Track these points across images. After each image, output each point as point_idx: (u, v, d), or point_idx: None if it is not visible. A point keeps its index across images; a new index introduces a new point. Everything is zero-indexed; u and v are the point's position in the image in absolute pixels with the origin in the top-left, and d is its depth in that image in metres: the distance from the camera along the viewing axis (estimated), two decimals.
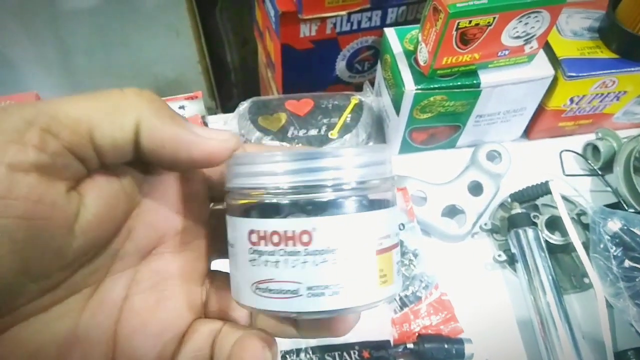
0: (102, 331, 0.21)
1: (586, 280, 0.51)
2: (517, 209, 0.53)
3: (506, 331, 0.50)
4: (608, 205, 0.54)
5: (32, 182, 0.18)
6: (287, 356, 0.41)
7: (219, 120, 0.62)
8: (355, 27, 0.60)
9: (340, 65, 0.65)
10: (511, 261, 0.52)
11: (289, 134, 0.56)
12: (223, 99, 1.19)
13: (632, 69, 0.54)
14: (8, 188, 0.17)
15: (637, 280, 0.44)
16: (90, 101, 0.19)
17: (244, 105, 0.58)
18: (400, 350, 0.46)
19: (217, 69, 1.13)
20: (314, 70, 0.65)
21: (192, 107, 0.55)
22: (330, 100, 0.59)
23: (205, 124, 0.53)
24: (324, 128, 0.57)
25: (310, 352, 0.41)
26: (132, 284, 0.23)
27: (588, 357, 0.46)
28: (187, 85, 1.10)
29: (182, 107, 0.55)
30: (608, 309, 0.47)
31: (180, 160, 0.21)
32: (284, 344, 0.41)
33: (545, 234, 0.52)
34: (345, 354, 0.41)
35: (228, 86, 1.18)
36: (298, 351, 0.41)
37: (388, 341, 0.43)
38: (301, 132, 0.56)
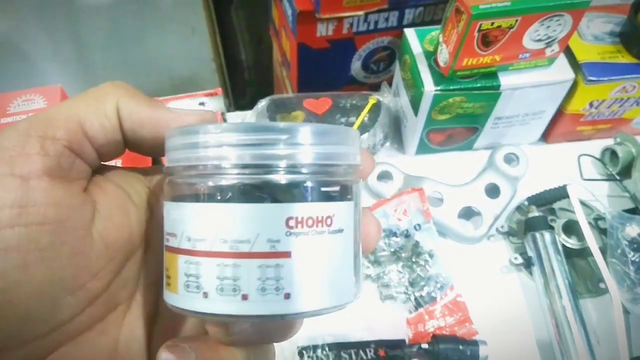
0: (140, 346, 0.22)
1: (602, 285, 0.51)
2: (535, 212, 0.53)
3: (521, 334, 0.50)
4: (626, 211, 0.54)
5: (46, 187, 0.18)
6: (304, 352, 0.41)
7: (237, 118, 0.62)
8: (372, 27, 0.60)
9: (356, 65, 0.65)
10: (527, 264, 0.52)
11: None
12: (236, 97, 1.19)
13: None
14: (25, 197, 0.18)
15: None
16: (74, 100, 0.21)
17: (262, 103, 0.59)
18: (414, 350, 0.46)
19: (231, 67, 1.13)
20: (330, 70, 0.65)
21: (212, 103, 0.55)
22: (348, 99, 0.59)
23: (225, 121, 0.54)
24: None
25: (327, 349, 0.41)
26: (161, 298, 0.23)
27: None
28: (201, 83, 1.11)
29: (202, 104, 0.55)
30: (624, 314, 0.47)
31: (161, 138, 0.21)
32: (301, 340, 0.42)
33: (562, 238, 0.52)
34: (361, 351, 0.41)
35: (241, 84, 1.18)
36: (315, 347, 0.41)
37: (403, 340, 0.43)
38: None
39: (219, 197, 0.17)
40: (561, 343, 0.47)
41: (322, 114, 0.58)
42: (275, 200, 0.17)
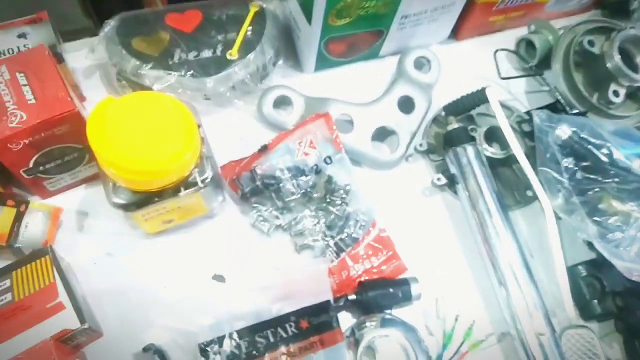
0: None
1: (529, 194, 0.47)
2: (454, 124, 0.47)
3: (452, 260, 0.45)
4: (547, 106, 0.49)
5: None
6: (208, 349, 0.33)
7: (82, 47, 0.47)
8: None
9: None
10: (451, 183, 0.47)
11: (175, 59, 0.44)
12: (102, 17, 0.99)
13: None
14: None
15: (590, 193, 0.40)
16: None
17: (110, 25, 0.45)
18: (341, 303, 0.40)
19: None
20: None
21: (35, 34, 0.40)
22: (223, 9, 0.47)
23: (58, 56, 0.40)
24: (219, 47, 0.45)
25: (237, 337, 0.33)
26: None
27: (540, 277, 0.43)
28: (58, 11, 0.91)
29: (22, 36, 0.40)
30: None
31: None
32: (203, 335, 0.33)
33: (485, 148, 0.47)
34: (280, 329, 0.34)
35: (106, 3, 0.98)
36: (221, 340, 0.33)
37: (327, 302, 0.37)
38: (191, 55, 0.44)
39: None
40: (496, 263, 0.43)
41: (191, 32, 0.46)
42: None
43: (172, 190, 0.37)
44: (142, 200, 0.37)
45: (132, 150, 0.33)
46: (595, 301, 0.43)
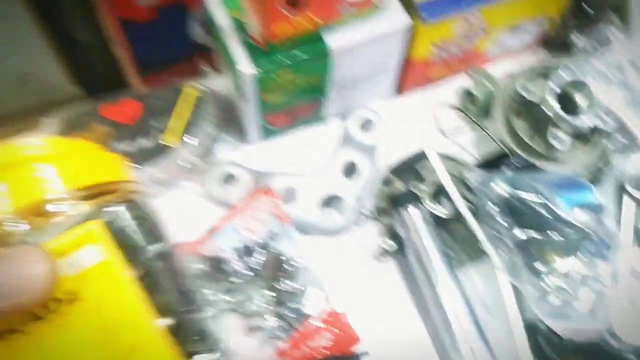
0: None
1: (482, 248, 0.46)
2: (397, 186, 0.47)
3: (408, 329, 0.44)
4: (493, 159, 0.49)
5: None
6: None
7: None
8: None
9: (198, 30, 0.53)
10: (401, 247, 0.46)
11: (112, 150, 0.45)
12: (87, 84, 1.02)
13: (493, 0, 0.48)
14: None
15: (532, 250, 0.39)
16: None
17: (48, 126, 0.46)
18: None
19: (71, 51, 0.96)
20: (167, 42, 0.53)
21: None
22: (160, 95, 0.48)
23: None
24: (157, 134, 0.46)
25: None
26: None
27: (499, 335, 0.42)
28: (44, 81, 0.94)
29: None
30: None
31: None
32: None
33: (432, 207, 0.46)
34: None
35: (88, 68, 1.01)
36: None
37: None
38: (127, 145, 0.45)
39: None
40: (447, 326, 0.42)
41: (135, 123, 0.47)
42: None
43: None
44: None
45: None
46: (557, 357, 0.42)
